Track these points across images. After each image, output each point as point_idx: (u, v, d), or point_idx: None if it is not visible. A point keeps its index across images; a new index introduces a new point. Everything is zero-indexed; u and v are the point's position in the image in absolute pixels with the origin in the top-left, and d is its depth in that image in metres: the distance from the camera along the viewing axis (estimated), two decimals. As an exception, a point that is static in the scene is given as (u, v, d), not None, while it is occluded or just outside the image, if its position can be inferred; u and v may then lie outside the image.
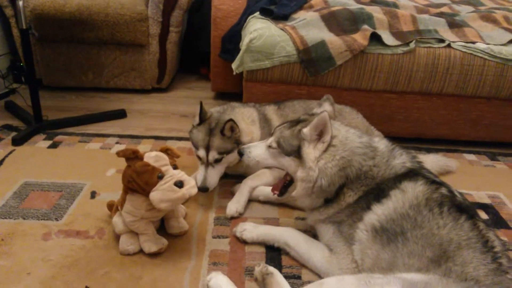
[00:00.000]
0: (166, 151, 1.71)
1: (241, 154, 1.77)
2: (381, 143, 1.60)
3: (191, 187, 1.59)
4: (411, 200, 1.36)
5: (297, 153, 1.57)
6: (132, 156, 1.62)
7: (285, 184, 1.73)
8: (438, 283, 1.12)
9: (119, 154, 1.62)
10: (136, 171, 1.59)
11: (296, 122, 1.68)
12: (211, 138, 1.98)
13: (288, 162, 1.61)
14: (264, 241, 1.74)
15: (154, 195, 1.56)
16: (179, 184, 1.56)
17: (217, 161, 2.00)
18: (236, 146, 1.99)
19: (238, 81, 3.05)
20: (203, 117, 2.04)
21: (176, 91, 3.65)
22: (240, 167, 2.15)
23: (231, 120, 1.95)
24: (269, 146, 1.67)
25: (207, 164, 2.00)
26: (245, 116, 2.16)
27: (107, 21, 3.15)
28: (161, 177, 1.57)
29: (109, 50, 3.32)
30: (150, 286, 1.53)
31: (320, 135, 1.54)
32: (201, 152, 1.98)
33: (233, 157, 2.04)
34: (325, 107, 1.75)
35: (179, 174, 1.61)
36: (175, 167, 1.66)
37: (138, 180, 1.58)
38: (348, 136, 1.58)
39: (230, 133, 2.00)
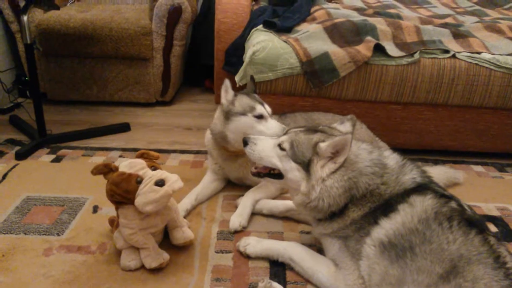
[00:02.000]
0: (142, 155, 1.69)
1: (245, 143, 1.66)
2: (391, 159, 1.54)
3: (173, 183, 1.56)
4: (419, 214, 1.32)
5: (305, 165, 1.50)
6: (106, 170, 1.61)
7: (270, 172, 1.63)
8: (448, 300, 1.08)
9: (93, 172, 1.61)
10: (114, 183, 1.57)
11: (314, 130, 1.58)
12: (256, 98, 2.05)
13: (293, 170, 1.52)
14: (268, 256, 1.70)
15: (138, 200, 1.53)
16: (160, 183, 1.54)
17: (271, 114, 2.04)
18: None
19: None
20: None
21: (180, 104, 3.65)
22: (241, 169, 2.14)
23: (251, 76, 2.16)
24: (279, 145, 1.57)
25: (270, 115, 2.02)
26: None
27: (111, 36, 3.17)
28: (139, 181, 1.55)
29: (113, 64, 3.33)
30: (151, 302, 1.50)
31: (334, 154, 1.47)
32: (261, 107, 1.99)
33: None
34: (346, 127, 1.65)
35: (159, 173, 1.58)
36: (154, 168, 1.62)
37: (118, 190, 1.56)
38: (358, 154, 1.51)
39: (227, 94, 2.05)
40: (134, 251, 1.66)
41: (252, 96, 2.06)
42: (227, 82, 2.03)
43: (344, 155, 1.45)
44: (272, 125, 1.97)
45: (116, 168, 1.62)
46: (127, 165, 1.61)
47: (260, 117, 1.97)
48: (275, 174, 1.62)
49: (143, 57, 3.29)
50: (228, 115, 2.01)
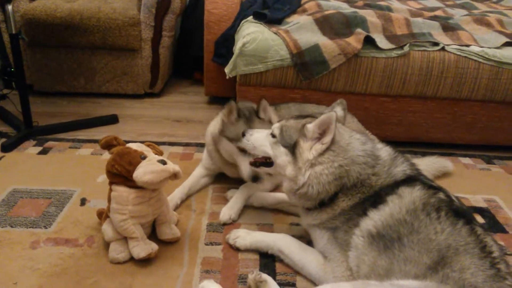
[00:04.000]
0: (148, 146, 1.71)
1: (243, 134, 1.72)
2: (384, 151, 1.54)
3: (174, 165, 1.60)
4: (408, 205, 1.32)
5: (292, 148, 1.51)
6: (114, 143, 1.66)
7: (265, 162, 1.66)
8: (435, 290, 1.09)
9: (101, 142, 1.66)
10: (119, 153, 1.61)
11: (304, 116, 1.61)
12: (251, 125, 1.92)
13: (281, 154, 1.54)
14: (257, 248, 1.70)
15: (138, 171, 1.55)
16: (163, 162, 1.58)
17: None
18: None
19: (232, 85, 3.02)
20: (239, 113, 1.95)
21: (169, 96, 3.62)
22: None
23: (263, 98, 1.93)
24: (271, 133, 1.61)
25: None
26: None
27: (98, 26, 3.11)
28: (143, 158, 1.60)
29: (101, 55, 3.28)
30: (140, 295, 1.49)
31: (322, 135, 1.48)
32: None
33: None
34: (337, 112, 1.65)
35: (162, 158, 1.63)
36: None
37: (122, 161, 1.58)
38: (350, 142, 1.51)
39: (265, 114, 1.97)
40: (122, 244, 1.64)
41: (250, 125, 1.94)
42: (232, 105, 1.93)
43: (330, 134, 1.45)
44: (246, 165, 1.84)
45: (123, 144, 1.66)
46: (135, 145, 1.66)
47: (243, 150, 1.88)
48: (269, 162, 1.63)
49: (132, 48, 3.24)
50: (221, 132, 1.99)
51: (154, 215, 1.71)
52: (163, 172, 1.56)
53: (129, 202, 1.60)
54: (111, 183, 1.66)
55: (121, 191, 1.61)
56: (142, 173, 1.54)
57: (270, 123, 1.97)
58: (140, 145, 1.68)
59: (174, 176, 1.61)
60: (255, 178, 1.86)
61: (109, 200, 1.67)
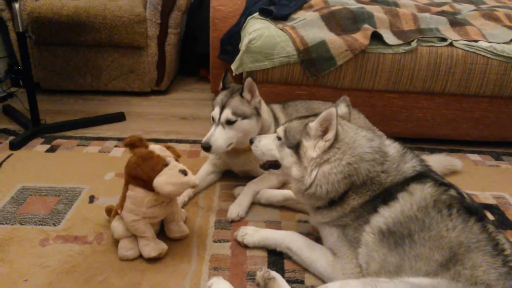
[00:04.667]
0: (168, 148, 1.71)
1: (251, 142, 1.73)
2: (392, 147, 1.52)
3: (195, 178, 1.62)
4: (419, 202, 1.31)
5: (296, 148, 1.52)
6: (138, 144, 1.65)
7: (273, 163, 1.67)
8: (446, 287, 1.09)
9: (125, 141, 1.64)
10: (142, 157, 1.60)
11: (307, 116, 1.61)
12: (229, 99, 1.93)
13: (287, 156, 1.55)
14: (265, 246, 1.70)
15: (159, 179, 1.55)
16: (184, 172, 1.58)
17: (230, 123, 1.90)
18: (255, 114, 1.96)
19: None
20: (225, 83, 1.99)
21: (175, 93, 3.62)
22: (247, 163, 2.11)
23: (249, 77, 1.92)
24: (277, 136, 1.62)
25: (218, 122, 1.91)
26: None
27: (104, 24, 3.12)
28: (165, 165, 1.59)
29: (107, 52, 3.28)
30: (150, 292, 1.49)
31: (325, 132, 1.47)
32: (215, 111, 1.92)
33: (249, 125, 1.94)
34: (341, 108, 1.66)
35: (183, 166, 1.62)
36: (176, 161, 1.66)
37: (144, 165, 1.58)
38: (356, 139, 1.49)
39: (250, 97, 1.95)
40: (132, 241, 1.65)
41: (227, 96, 1.97)
42: (224, 76, 1.98)
43: (332, 130, 1.44)
44: (209, 133, 1.91)
45: (147, 146, 1.66)
46: (158, 148, 1.66)
47: (212, 119, 1.94)
48: (278, 164, 1.65)
49: (138, 45, 3.24)
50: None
51: (165, 215, 1.72)
52: (185, 185, 1.58)
53: (144, 205, 1.61)
54: (128, 183, 1.66)
55: (138, 192, 1.61)
56: (164, 183, 1.54)
57: (250, 104, 1.96)
58: (162, 148, 1.67)
59: (193, 187, 1.64)
60: (204, 148, 1.89)
61: (121, 198, 1.67)
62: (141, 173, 1.59)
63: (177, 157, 1.70)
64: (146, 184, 1.59)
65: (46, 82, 3.36)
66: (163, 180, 1.55)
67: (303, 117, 1.61)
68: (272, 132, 2.09)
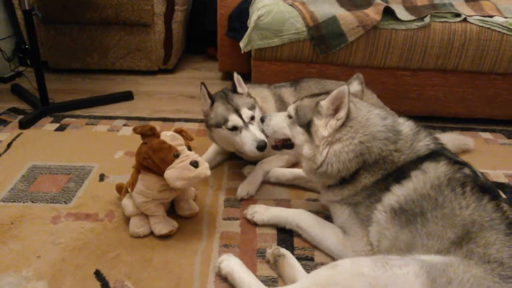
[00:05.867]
0: (180, 132, 1.69)
1: (262, 120, 1.72)
2: (406, 126, 1.49)
3: (205, 168, 1.58)
4: (432, 181, 1.30)
5: (308, 126, 1.50)
6: (149, 133, 1.62)
7: (286, 143, 1.66)
8: (459, 265, 1.08)
9: (136, 129, 1.61)
10: (153, 148, 1.57)
11: (319, 94, 1.59)
12: (232, 103, 1.87)
13: (298, 134, 1.54)
14: (275, 224, 1.70)
15: (170, 173, 1.53)
16: (195, 164, 1.55)
17: (252, 118, 1.86)
18: (254, 101, 1.93)
19: (246, 60, 2.98)
20: (212, 96, 1.94)
21: (183, 72, 3.59)
22: None
23: (234, 72, 1.90)
24: (288, 115, 1.60)
25: (245, 124, 1.82)
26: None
27: (111, 1, 3.08)
28: (177, 155, 1.56)
29: (114, 30, 3.25)
30: (161, 268, 1.51)
31: (336, 110, 1.45)
32: (234, 118, 1.82)
33: (258, 112, 1.92)
34: (354, 86, 1.63)
35: (194, 155, 1.59)
36: (189, 148, 1.64)
37: (154, 157, 1.56)
38: (369, 118, 1.46)
39: (242, 88, 1.94)
40: (143, 219, 1.66)
41: (229, 102, 1.88)
42: (204, 90, 1.88)
43: (344, 109, 1.42)
44: (247, 137, 1.79)
45: (158, 135, 1.62)
46: (170, 136, 1.62)
47: (234, 128, 1.83)
48: (290, 144, 1.63)
49: (144, 23, 3.20)
50: (207, 125, 1.95)
51: (175, 195, 1.73)
52: (195, 179, 1.55)
53: (155, 188, 1.61)
54: (139, 167, 1.65)
55: (150, 176, 1.61)
56: (175, 177, 1.53)
57: (249, 95, 1.96)
58: (174, 135, 1.63)
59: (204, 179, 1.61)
60: (261, 148, 1.77)
61: (133, 177, 1.67)
62: (152, 164, 1.58)
63: (190, 140, 1.69)
64: (156, 173, 1.59)
65: (54, 61, 3.35)
66: (174, 175, 1.53)
67: (315, 95, 1.59)
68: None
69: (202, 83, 1.90)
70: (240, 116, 1.83)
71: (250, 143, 1.78)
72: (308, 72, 2.55)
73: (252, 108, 1.89)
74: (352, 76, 1.72)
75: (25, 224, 1.70)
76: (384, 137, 1.44)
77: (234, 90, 1.94)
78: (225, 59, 3.24)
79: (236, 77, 1.95)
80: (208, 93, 1.91)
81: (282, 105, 2.15)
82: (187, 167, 1.54)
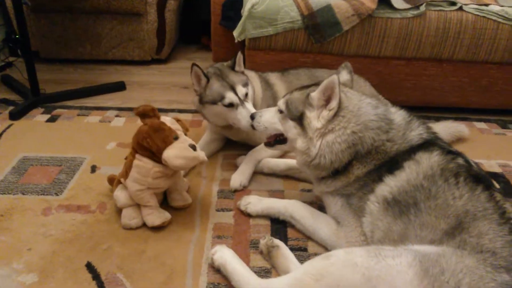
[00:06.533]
0: (177, 121, 1.70)
1: (252, 118, 1.72)
2: (398, 115, 1.48)
3: (203, 154, 1.61)
4: (425, 171, 1.29)
5: (300, 120, 1.49)
6: (151, 114, 1.64)
7: (278, 139, 1.66)
8: (452, 255, 1.08)
9: (138, 110, 1.64)
10: (154, 128, 1.59)
11: (308, 85, 1.57)
12: (227, 80, 1.91)
13: (290, 128, 1.52)
14: (269, 214, 1.70)
15: (170, 151, 1.55)
16: (194, 147, 1.58)
17: (246, 95, 1.91)
18: (247, 79, 1.98)
19: (241, 50, 2.94)
20: (206, 74, 1.94)
21: (176, 62, 3.55)
22: (241, 131, 2.07)
23: (239, 51, 1.96)
24: (279, 109, 1.59)
25: (241, 102, 1.89)
26: None
27: (102, -11, 3.02)
28: (176, 138, 1.59)
29: (106, 19, 3.20)
30: (153, 259, 1.50)
31: (328, 101, 1.44)
32: (231, 95, 1.87)
33: (252, 89, 2.00)
34: (343, 76, 1.62)
35: (193, 142, 1.63)
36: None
37: (155, 136, 1.57)
38: (361, 107, 1.45)
39: (239, 67, 1.99)
40: (135, 210, 1.65)
41: (224, 79, 1.92)
42: (198, 70, 1.91)
43: (335, 99, 1.41)
44: (243, 114, 1.86)
45: (159, 116, 1.66)
46: (169, 120, 1.66)
47: (230, 105, 1.88)
48: (283, 139, 1.62)
49: (137, 12, 3.15)
50: (201, 101, 1.97)
51: (168, 186, 1.72)
52: (194, 160, 1.58)
53: (150, 175, 1.60)
54: (135, 151, 1.64)
55: (145, 162, 1.60)
56: (174, 156, 1.53)
57: (244, 74, 2.01)
58: (173, 121, 1.67)
59: (201, 163, 1.64)
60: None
61: (126, 168, 1.66)
62: (152, 144, 1.57)
63: (186, 130, 1.70)
64: (154, 155, 1.58)
65: (45, 50, 3.30)
66: (173, 154, 1.54)
67: (304, 87, 1.57)
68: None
69: (194, 64, 1.93)
70: (235, 93, 1.88)
71: (246, 119, 1.83)
72: (302, 61, 2.52)
73: (246, 85, 1.94)
74: (341, 65, 1.72)
75: (16, 216, 1.68)
76: (376, 127, 1.42)
77: (233, 67, 1.98)
78: (219, 49, 3.20)
79: (239, 55, 2.00)
80: (203, 71, 1.94)
81: (268, 87, 2.16)
82: (186, 148, 1.57)
